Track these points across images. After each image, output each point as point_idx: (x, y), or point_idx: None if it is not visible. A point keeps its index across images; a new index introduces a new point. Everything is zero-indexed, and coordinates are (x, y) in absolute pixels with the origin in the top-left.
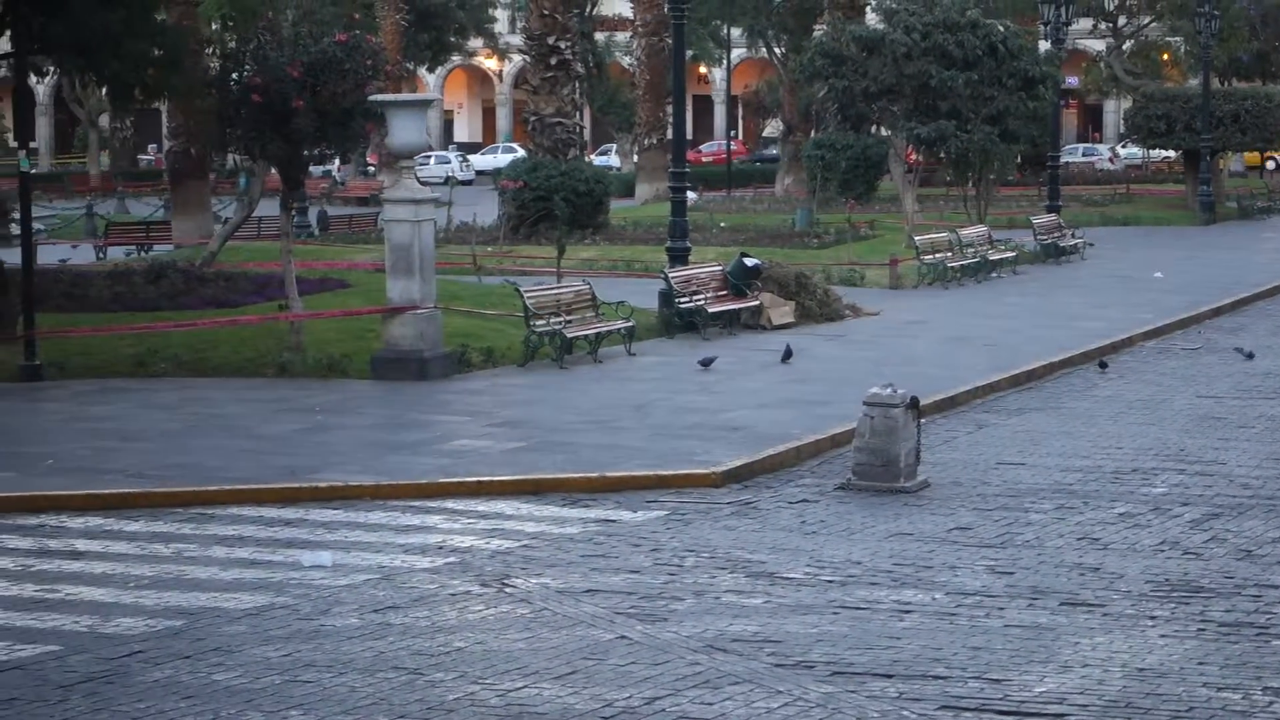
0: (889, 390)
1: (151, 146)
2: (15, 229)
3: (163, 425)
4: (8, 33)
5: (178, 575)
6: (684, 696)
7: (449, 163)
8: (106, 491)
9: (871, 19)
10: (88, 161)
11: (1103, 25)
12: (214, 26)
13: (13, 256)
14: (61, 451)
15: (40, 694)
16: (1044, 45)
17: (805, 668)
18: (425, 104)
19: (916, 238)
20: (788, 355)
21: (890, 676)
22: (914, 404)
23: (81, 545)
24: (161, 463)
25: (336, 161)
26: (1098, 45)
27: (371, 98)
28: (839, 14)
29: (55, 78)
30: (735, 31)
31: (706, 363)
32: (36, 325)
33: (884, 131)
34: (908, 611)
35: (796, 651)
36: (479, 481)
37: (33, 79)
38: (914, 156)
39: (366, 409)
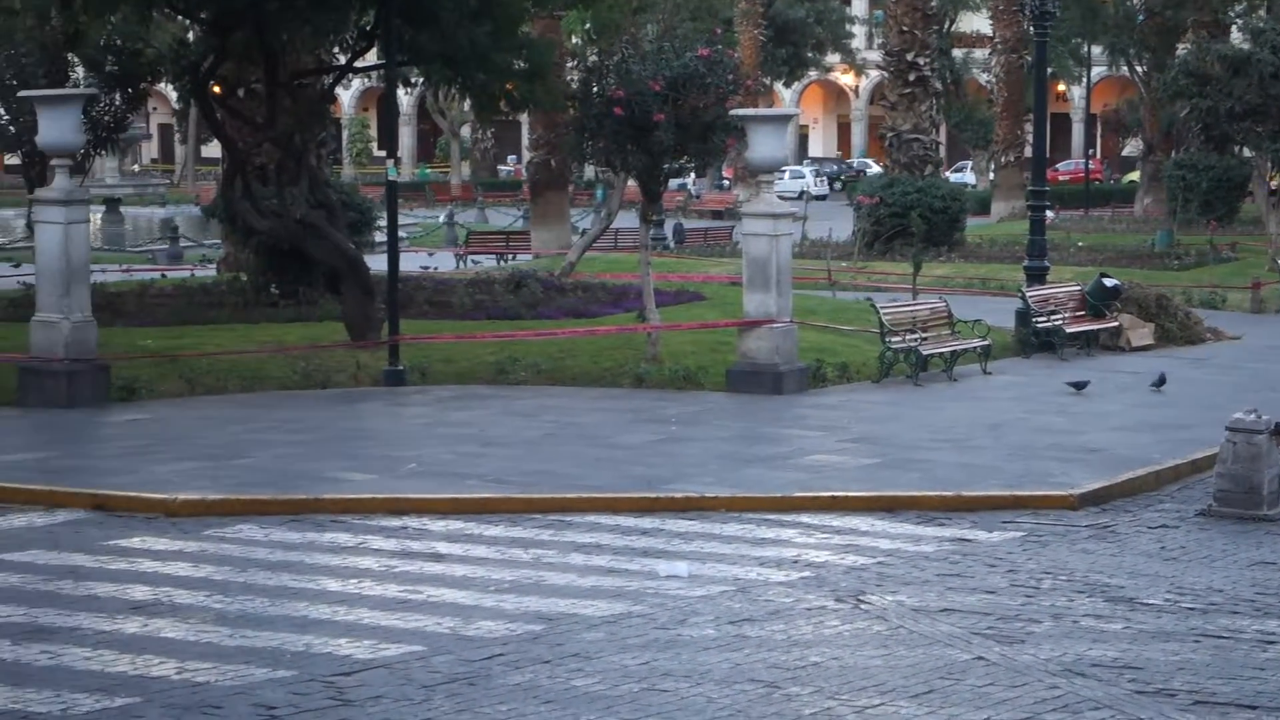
0: (1252, 416)
1: (511, 157)
2: (379, 236)
3: (522, 432)
4: (377, 45)
5: (537, 581)
6: None
7: (804, 177)
8: (467, 496)
9: (1237, 38)
10: (449, 171)
11: None
12: (576, 40)
13: (379, 263)
14: (424, 456)
15: (404, 693)
16: None
17: (1166, 696)
18: (786, 119)
19: None
20: (1161, 382)
21: (1254, 708)
22: (1278, 430)
23: (443, 548)
24: (521, 469)
25: (692, 175)
26: None
27: (732, 112)
28: (1203, 33)
29: (420, 89)
30: (1095, 49)
31: (1079, 386)
32: (401, 331)
33: (1247, 153)
34: (1271, 642)
35: (1157, 679)
36: (833, 497)
37: (399, 90)
38: (1278, 180)
39: (722, 421)
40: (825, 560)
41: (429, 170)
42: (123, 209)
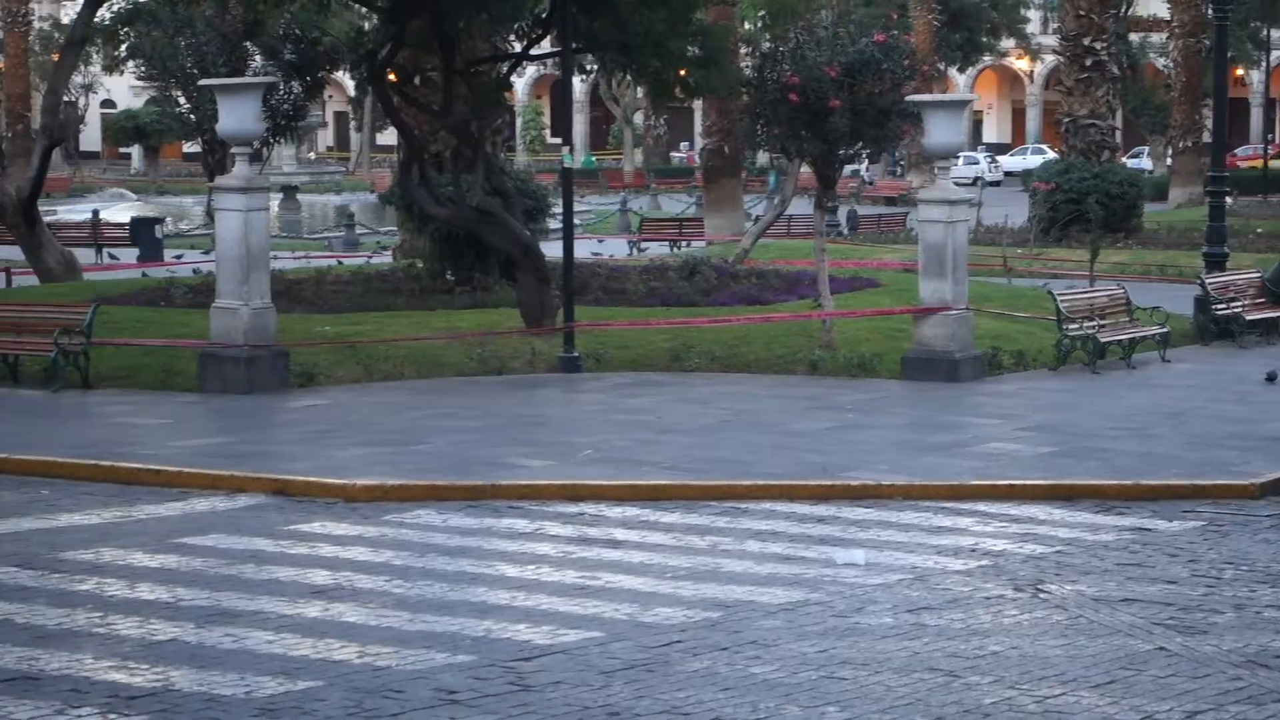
0: None
1: (684, 144)
2: (554, 223)
3: (697, 419)
4: (552, 32)
5: (714, 568)
6: (1226, 712)
7: (978, 163)
8: (644, 483)
9: None
10: (622, 158)
11: None
12: (749, 26)
13: (552, 250)
14: (600, 442)
15: (584, 679)
16: None
17: None
18: (962, 105)
19: None
20: (1272, 378)
21: None
22: None
23: (620, 534)
24: (696, 456)
25: (864, 161)
26: None
27: (909, 98)
28: None
29: (593, 76)
30: (1275, 33)
31: (1273, 378)
32: (575, 318)
33: None
34: None
35: None
36: (1011, 485)
37: (574, 77)
38: None
39: (897, 409)
40: (1003, 549)
41: (594, 159)
42: (299, 196)
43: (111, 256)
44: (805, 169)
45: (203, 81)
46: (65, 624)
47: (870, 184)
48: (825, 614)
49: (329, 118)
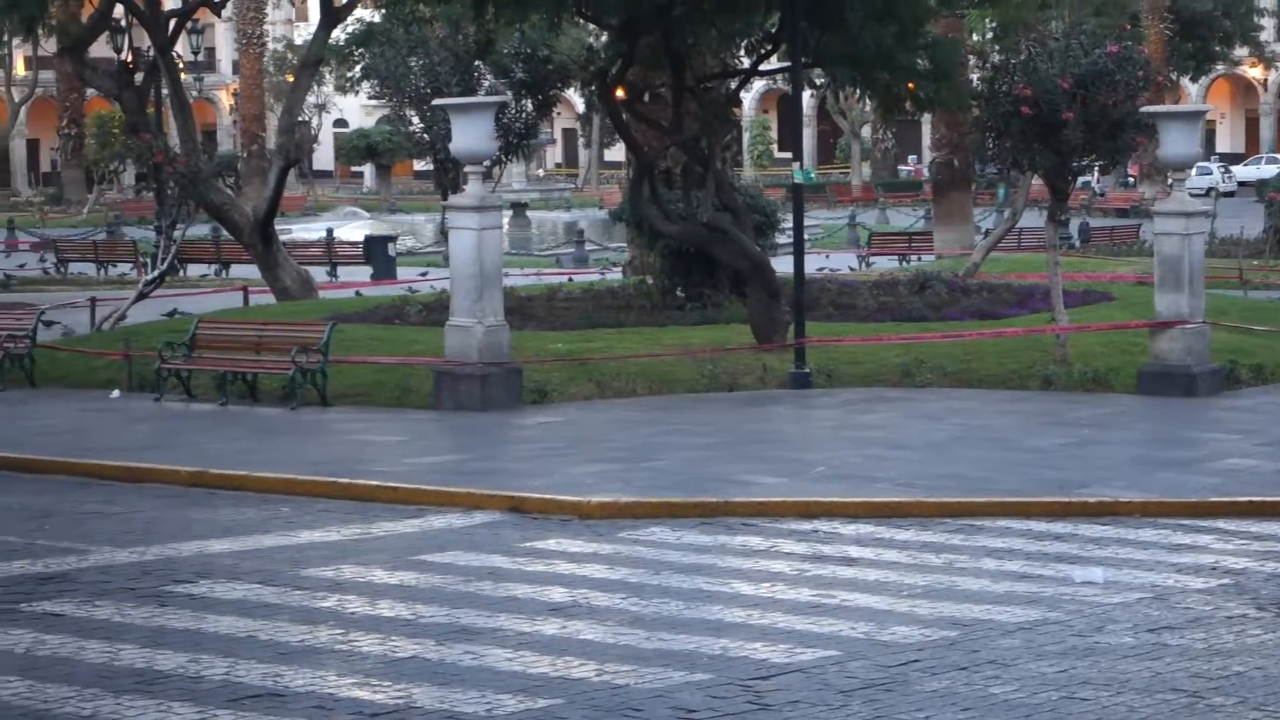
0: None
1: (911, 158)
2: (782, 238)
3: (929, 435)
4: (781, 47)
5: (949, 586)
6: None
7: (1211, 174)
8: (877, 499)
9: None
10: (850, 172)
11: None
12: (977, 38)
13: (783, 265)
14: (832, 458)
15: (822, 698)
16: None
17: None
18: (1198, 115)
19: None
20: None
21: None
22: None
23: (854, 552)
24: (929, 472)
25: (1095, 173)
26: None
27: (1143, 109)
28: None
29: (821, 90)
30: None
31: None
32: (806, 334)
33: None
34: None
35: None
36: (1251, 502)
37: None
38: None
39: (1133, 424)
40: (1245, 567)
41: (813, 173)
42: (529, 213)
43: (336, 277)
44: (1035, 181)
45: (436, 101)
46: (308, 641)
47: (1101, 195)
48: (1064, 633)
49: (557, 134)
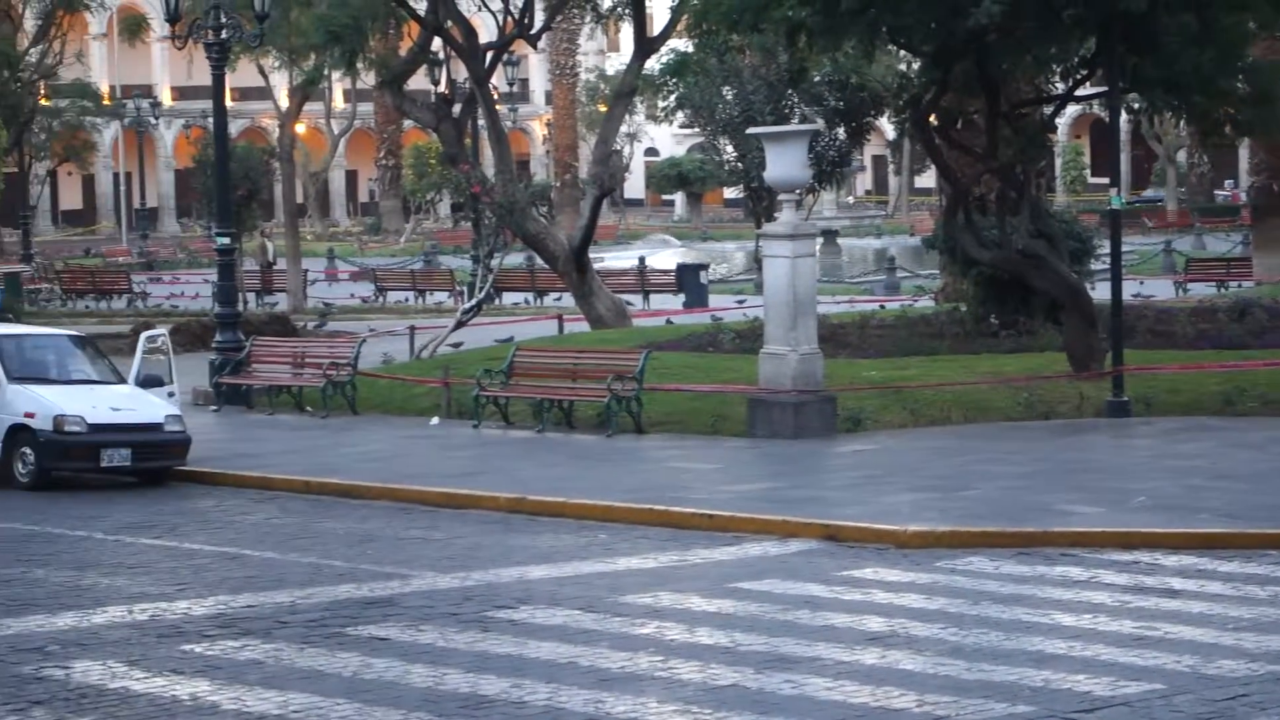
0: None
1: (1228, 182)
2: (1097, 265)
3: (1253, 465)
4: (1097, 73)
5: (1276, 619)
6: None
7: None
8: (1199, 530)
9: None
10: (1165, 197)
11: None
12: None
13: (1098, 292)
14: (1152, 488)
15: None
16: None
17: None
18: None
19: None
20: None
21: None
22: None
23: (1177, 584)
24: (1252, 503)
25: None
26: None
27: None
28: None
29: (1137, 115)
30: None
31: None
32: (1123, 361)
33: None
34: None
35: None
36: None
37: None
38: None
39: None
40: None
41: (1122, 198)
42: (839, 240)
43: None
44: None
45: (750, 130)
46: (628, 667)
47: None
48: None
49: (867, 161)
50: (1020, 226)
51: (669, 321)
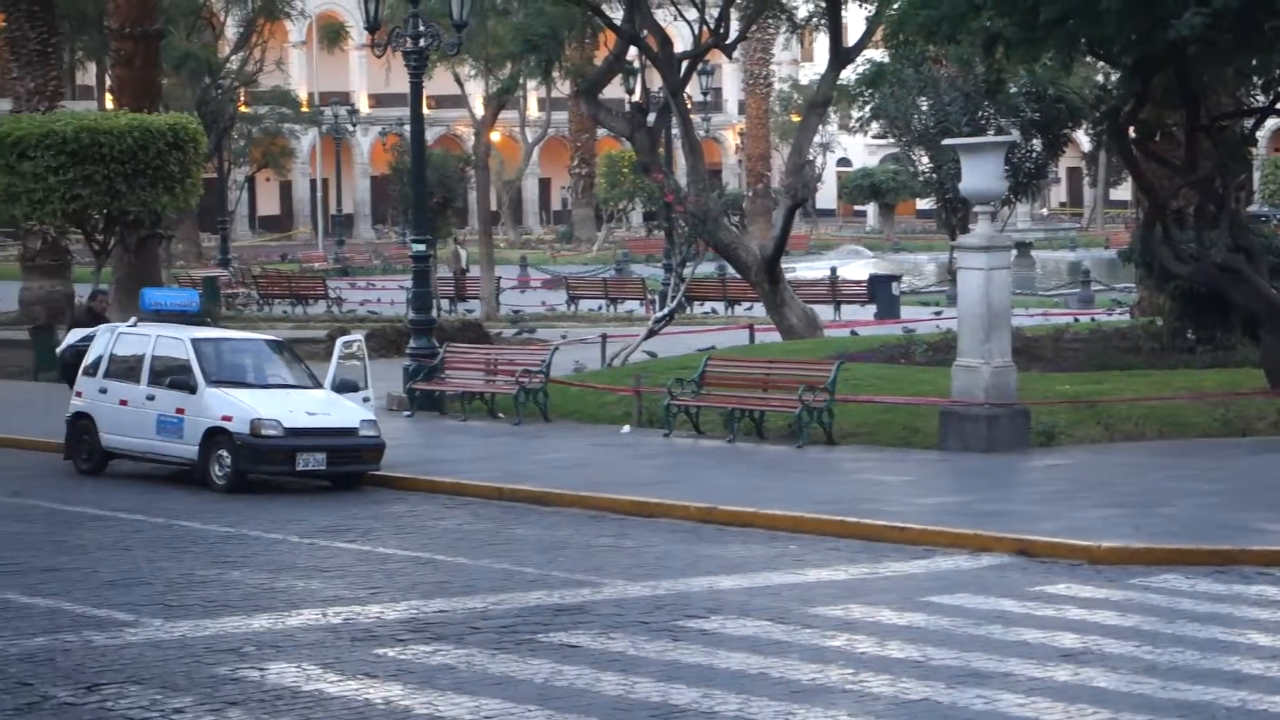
0: None
1: None
2: None
3: None
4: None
5: None
6: None
7: None
8: None
9: None
10: None
11: None
12: None
13: None
14: None
15: None
16: None
17: None
18: None
19: None
20: None
21: None
22: None
23: None
24: None
25: None
26: None
27: None
28: None
29: None
30: None
31: None
32: None
33: None
34: None
35: None
36: None
37: None
38: None
39: None
40: None
41: None
42: (1033, 253)
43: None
44: None
45: (947, 141)
46: (819, 679)
47: None
48: None
49: (1061, 173)
50: (1219, 240)
51: (852, 333)
